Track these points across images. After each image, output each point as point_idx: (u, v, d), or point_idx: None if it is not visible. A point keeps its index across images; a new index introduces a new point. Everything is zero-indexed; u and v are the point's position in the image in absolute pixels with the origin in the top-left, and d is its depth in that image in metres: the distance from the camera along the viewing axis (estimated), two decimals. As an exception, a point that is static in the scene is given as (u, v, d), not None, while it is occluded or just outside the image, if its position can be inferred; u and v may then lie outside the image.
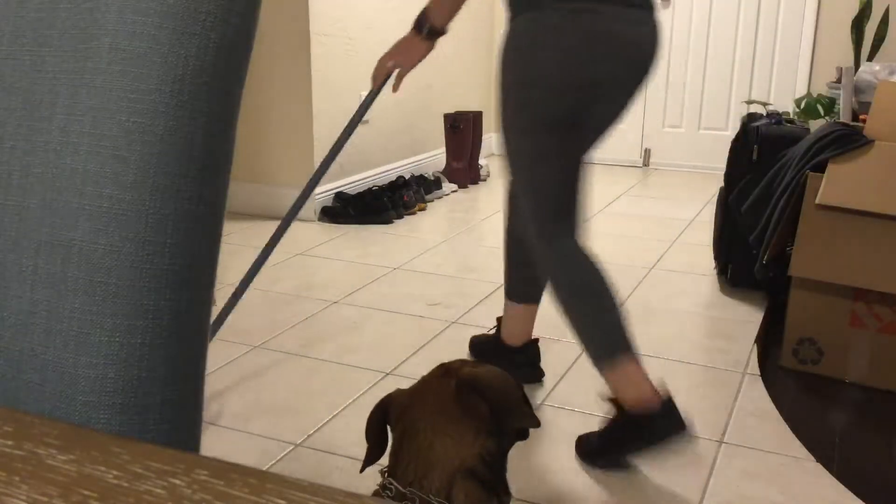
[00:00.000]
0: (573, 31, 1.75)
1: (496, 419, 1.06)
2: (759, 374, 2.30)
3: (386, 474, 1.07)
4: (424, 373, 2.26)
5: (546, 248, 1.87)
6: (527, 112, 1.79)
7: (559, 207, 1.86)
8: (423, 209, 4.06)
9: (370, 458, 1.15)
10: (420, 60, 2.07)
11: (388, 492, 1.04)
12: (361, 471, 1.18)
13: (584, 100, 1.79)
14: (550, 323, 2.62)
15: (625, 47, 1.84)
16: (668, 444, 1.75)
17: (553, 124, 1.79)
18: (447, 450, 1.03)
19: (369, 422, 1.14)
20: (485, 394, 1.06)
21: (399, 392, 1.14)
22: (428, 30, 2.01)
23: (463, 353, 2.39)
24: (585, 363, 2.34)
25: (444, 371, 1.12)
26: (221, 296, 2.86)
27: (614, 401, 1.81)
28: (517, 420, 1.08)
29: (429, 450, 1.04)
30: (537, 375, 2.22)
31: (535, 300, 2.17)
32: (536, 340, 2.22)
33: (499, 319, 2.28)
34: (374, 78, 2.13)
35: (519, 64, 1.79)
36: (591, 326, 1.81)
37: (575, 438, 1.91)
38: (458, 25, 4.86)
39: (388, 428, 1.15)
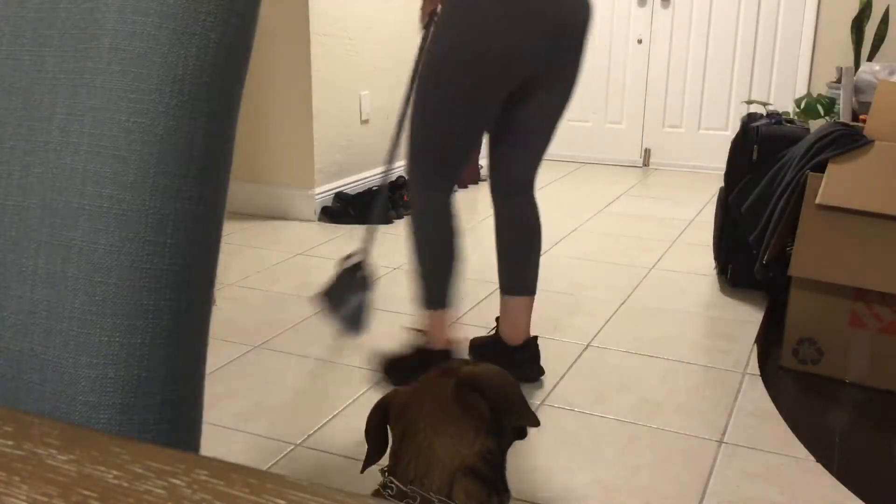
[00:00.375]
0: (486, 3, 1.87)
1: (496, 418, 1.06)
2: (759, 374, 2.30)
3: (387, 473, 1.07)
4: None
5: (418, 195, 2.08)
6: (436, 74, 1.95)
7: (443, 165, 2.06)
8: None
9: (370, 459, 1.15)
10: None
11: (388, 490, 1.04)
12: (362, 471, 1.18)
13: (490, 70, 1.91)
14: (551, 323, 2.62)
15: (537, 19, 1.90)
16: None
17: (441, 95, 1.96)
18: (447, 448, 1.03)
19: (369, 422, 1.14)
20: (485, 392, 1.06)
21: (398, 391, 1.15)
22: None
23: (462, 352, 2.39)
24: (585, 363, 2.34)
25: (444, 371, 1.12)
26: (222, 296, 2.86)
27: (419, 331, 2.17)
28: (517, 418, 1.09)
29: (429, 449, 1.04)
30: (538, 373, 2.21)
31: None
32: (535, 338, 2.23)
33: (498, 319, 2.29)
34: (421, 20, 2.17)
35: (438, 30, 1.95)
36: (425, 274, 2.09)
37: (575, 438, 1.92)
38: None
39: (389, 428, 1.15)
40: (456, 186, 2.06)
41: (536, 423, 1.09)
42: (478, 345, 2.35)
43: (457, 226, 2.10)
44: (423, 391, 1.10)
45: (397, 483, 1.02)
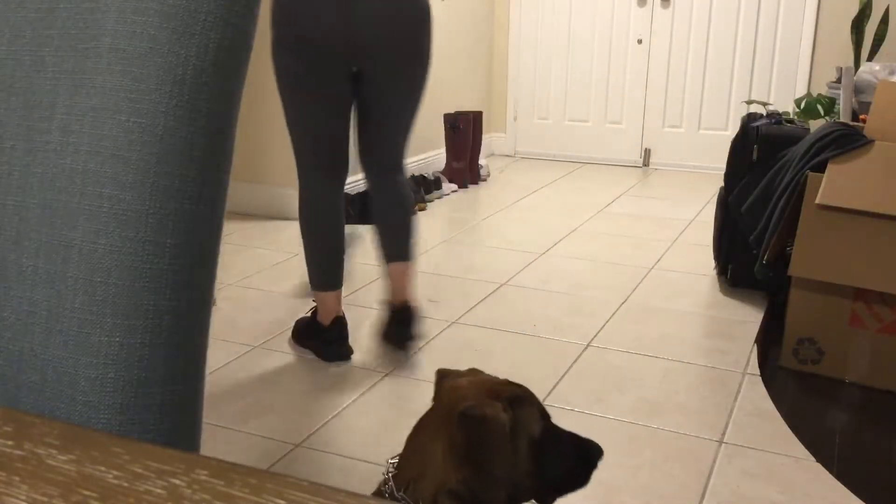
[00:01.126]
0: None
1: (474, 461, 1.04)
2: (759, 374, 2.30)
3: (392, 466, 1.07)
4: (424, 373, 2.26)
5: (301, 190, 2.30)
6: (274, 60, 2.18)
7: (316, 156, 2.26)
8: (423, 209, 4.06)
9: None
10: None
11: (387, 487, 1.05)
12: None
13: (301, 56, 2.11)
14: (551, 323, 2.62)
15: (356, 9, 2.08)
16: (327, 356, 2.34)
17: (284, 79, 2.18)
18: (436, 462, 1.03)
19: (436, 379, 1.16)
20: (468, 436, 1.03)
21: (455, 372, 1.15)
22: None
23: (462, 352, 2.39)
24: (585, 363, 2.34)
25: (485, 387, 1.10)
26: (222, 296, 2.86)
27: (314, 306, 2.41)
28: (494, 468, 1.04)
29: (424, 454, 1.04)
30: (411, 334, 2.36)
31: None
32: (410, 303, 2.37)
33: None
34: None
35: (272, 16, 2.14)
36: (309, 257, 2.33)
37: (575, 438, 1.92)
38: (458, 26, 4.87)
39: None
40: (328, 175, 2.31)
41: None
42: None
43: (338, 219, 2.32)
44: (456, 390, 1.09)
45: (392, 486, 1.03)
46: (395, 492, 1.02)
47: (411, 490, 1.01)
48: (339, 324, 2.35)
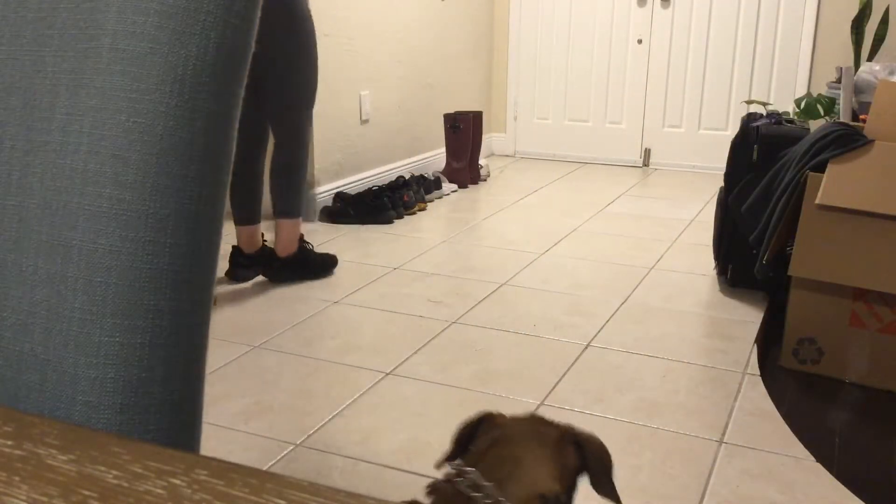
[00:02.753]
0: None
1: (575, 476, 1.14)
2: (759, 374, 2.30)
3: (461, 467, 1.11)
4: (424, 372, 2.26)
5: (308, 123, 2.98)
6: (308, 28, 2.91)
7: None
8: (423, 209, 4.06)
9: (449, 457, 1.20)
10: None
11: (463, 479, 1.07)
12: (437, 466, 1.23)
13: None
14: (551, 323, 2.62)
15: None
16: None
17: (313, 38, 2.99)
18: (532, 472, 1.09)
19: (463, 425, 1.20)
20: (584, 450, 1.14)
21: (501, 414, 1.21)
22: None
23: (463, 352, 2.39)
24: (585, 363, 2.34)
25: (544, 421, 1.19)
26: (222, 296, 2.86)
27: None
28: (600, 487, 1.17)
29: (516, 463, 1.10)
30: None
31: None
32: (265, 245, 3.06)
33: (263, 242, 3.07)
34: None
35: None
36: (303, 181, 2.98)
37: (575, 438, 1.92)
38: (458, 26, 4.87)
39: (476, 437, 1.21)
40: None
41: (618, 501, 1.17)
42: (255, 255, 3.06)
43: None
44: (521, 422, 1.17)
45: (478, 477, 1.07)
46: (479, 481, 1.05)
47: (497, 488, 1.05)
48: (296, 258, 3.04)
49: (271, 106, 2.86)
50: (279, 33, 2.77)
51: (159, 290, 0.56)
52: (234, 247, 3.04)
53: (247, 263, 3.03)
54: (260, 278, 3.04)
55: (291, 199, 2.94)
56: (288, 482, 0.39)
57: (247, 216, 3.00)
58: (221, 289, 2.93)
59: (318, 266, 3.06)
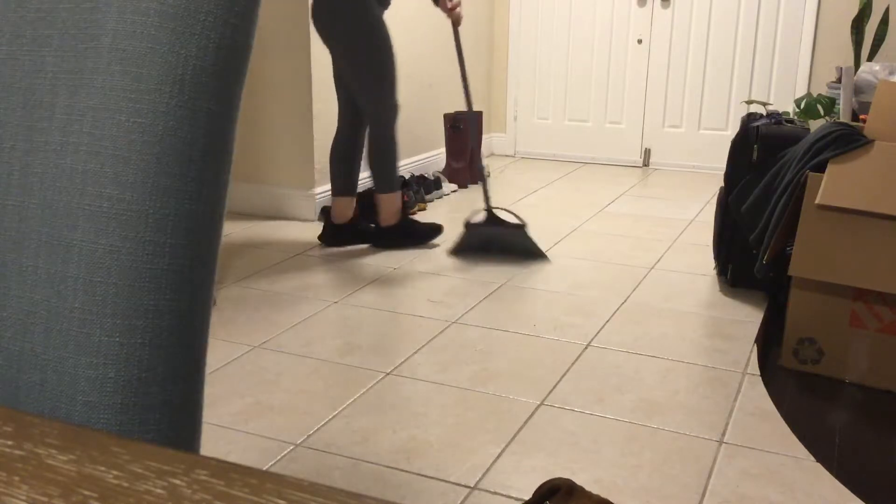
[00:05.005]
0: None
1: None
2: (759, 374, 2.30)
3: None
4: (424, 372, 2.27)
5: (387, 106, 3.21)
6: (370, 18, 3.17)
7: (393, 83, 3.22)
8: (423, 209, 4.06)
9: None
10: None
11: None
12: None
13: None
14: (551, 323, 2.62)
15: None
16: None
17: (381, 26, 3.16)
18: None
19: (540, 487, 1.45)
20: None
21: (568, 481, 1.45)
22: None
23: (463, 352, 2.39)
24: (585, 363, 2.34)
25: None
26: (222, 296, 2.86)
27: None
28: None
29: None
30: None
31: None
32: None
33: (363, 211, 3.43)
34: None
35: None
36: (394, 161, 3.27)
37: (575, 438, 1.92)
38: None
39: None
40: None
41: None
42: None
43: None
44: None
45: None
46: None
47: None
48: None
49: (356, 95, 3.18)
50: (352, 29, 3.06)
51: (159, 290, 0.56)
52: (327, 215, 3.42)
53: (332, 233, 3.39)
54: (258, 281, 3.04)
55: (385, 177, 3.24)
56: (288, 482, 0.39)
57: (341, 188, 3.33)
58: (222, 289, 2.93)
59: (422, 234, 3.36)
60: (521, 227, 3.26)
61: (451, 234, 3.59)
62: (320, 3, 3.07)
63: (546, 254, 3.28)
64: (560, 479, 1.45)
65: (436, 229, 3.38)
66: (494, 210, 3.35)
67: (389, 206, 3.30)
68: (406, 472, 1.79)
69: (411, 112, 4.50)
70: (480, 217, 3.33)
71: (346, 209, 3.35)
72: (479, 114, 4.58)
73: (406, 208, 3.40)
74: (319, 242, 3.41)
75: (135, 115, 0.55)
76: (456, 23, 3.32)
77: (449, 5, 3.25)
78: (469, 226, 3.30)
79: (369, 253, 3.35)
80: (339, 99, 3.30)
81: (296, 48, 3.66)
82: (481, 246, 3.30)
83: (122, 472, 0.40)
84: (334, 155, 3.31)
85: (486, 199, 3.37)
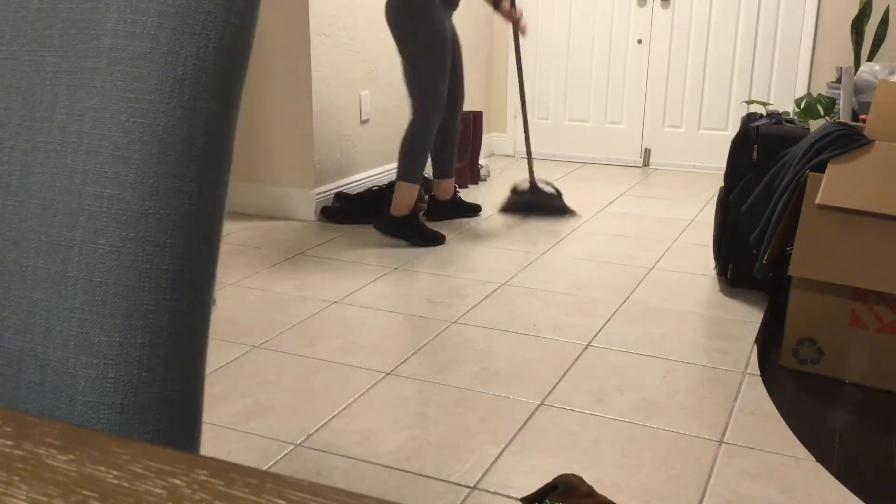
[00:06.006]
0: None
1: None
2: (759, 374, 2.30)
3: None
4: (424, 372, 2.27)
5: (431, 113, 3.42)
6: (429, 27, 3.42)
7: (442, 92, 3.48)
8: (423, 209, 4.06)
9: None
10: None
11: None
12: None
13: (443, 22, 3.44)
14: (551, 323, 2.62)
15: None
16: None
17: (440, 37, 3.39)
18: None
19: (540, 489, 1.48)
20: None
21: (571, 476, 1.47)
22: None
23: (463, 352, 2.39)
24: (585, 363, 2.34)
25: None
26: (222, 296, 2.86)
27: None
28: None
29: None
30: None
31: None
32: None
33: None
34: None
35: None
36: (420, 168, 3.48)
37: (575, 438, 1.92)
38: (459, 26, 4.87)
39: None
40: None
41: None
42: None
43: None
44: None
45: None
46: None
47: None
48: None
49: (408, 89, 3.45)
50: (410, 28, 3.33)
51: (159, 290, 0.56)
52: (430, 195, 3.86)
53: (437, 208, 3.83)
54: (258, 281, 3.04)
55: (409, 167, 3.43)
56: (288, 482, 0.39)
57: (440, 171, 3.73)
58: (222, 289, 2.93)
59: (423, 236, 3.50)
60: (556, 194, 3.92)
61: (449, 249, 3.59)
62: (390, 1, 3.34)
63: (575, 211, 3.96)
64: (564, 475, 1.46)
65: (438, 238, 3.50)
66: (536, 181, 3.93)
67: (404, 197, 3.44)
68: (406, 472, 1.79)
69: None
70: (525, 184, 3.94)
71: (448, 188, 3.78)
72: (479, 114, 4.58)
73: (416, 208, 3.57)
74: (426, 219, 3.83)
75: (135, 115, 0.55)
76: (522, 33, 3.72)
77: (516, 16, 3.65)
78: (515, 191, 3.94)
79: (369, 253, 3.36)
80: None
81: (296, 48, 3.66)
82: (524, 206, 3.89)
83: (122, 472, 0.40)
84: (435, 144, 3.63)
85: (531, 170, 3.93)
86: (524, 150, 5.42)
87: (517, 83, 5.31)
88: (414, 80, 3.40)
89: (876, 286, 2.15)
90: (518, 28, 3.72)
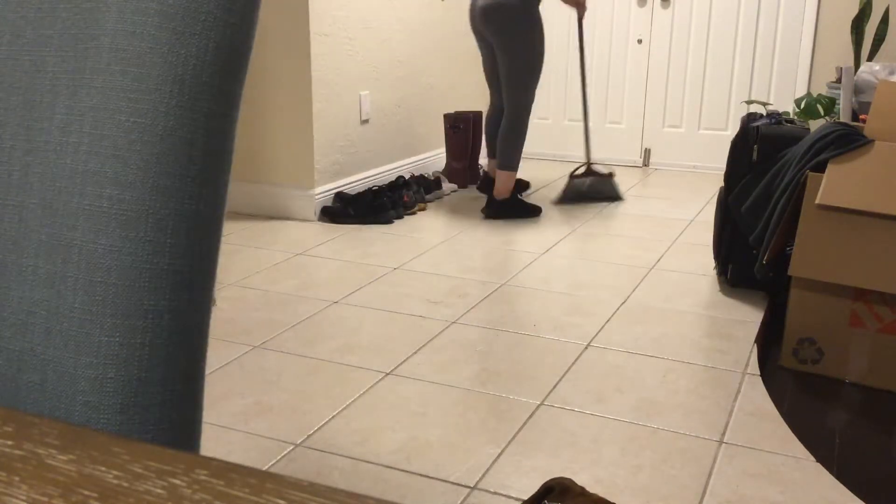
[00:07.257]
0: None
1: None
2: (759, 374, 2.30)
3: None
4: (424, 372, 2.27)
5: (528, 102, 3.87)
6: (531, 24, 3.75)
7: (537, 82, 3.88)
8: (423, 209, 4.06)
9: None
10: None
11: None
12: None
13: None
14: (551, 323, 2.62)
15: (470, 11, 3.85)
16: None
17: (540, 32, 3.75)
18: None
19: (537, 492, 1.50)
20: None
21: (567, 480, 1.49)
22: None
23: (463, 352, 2.40)
24: (585, 363, 2.34)
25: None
26: (222, 296, 2.86)
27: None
28: None
29: None
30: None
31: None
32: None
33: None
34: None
35: None
36: (520, 150, 3.85)
37: (575, 438, 1.92)
38: (459, 27, 4.86)
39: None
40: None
41: None
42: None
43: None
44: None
45: None
46: None
47: None
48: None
49: (504, 82, 3.73)
50: (504, 25, 3.62)
51: (159, 290, 0.56)
52: (484, 172, 4.20)
53: (486, 185, 4.13)
54: (258, 281, 3.04)
55: (509, 155, 3.77)
56: (288, 482, 0.39)
57: (494, 151, 4.00)
58: (222, 289, 2.93)
59: (526, 210, 3.85)
60: (610, 176, 4.17)
61: (450, 248, 3.59)
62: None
63: (623, 196, 4.29)
64: (556, 478, 1.47)
65: (536, 210, 3.88)
66: (592, 164, 4.19)
67: (506, 182, 3.79)
68: (406, 472, 1.79)
69: (411, 112, 4.50)
70: (581, 169, 4.19)
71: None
72: (479, 114, 4.58)
73: (518, 188, 3.98)
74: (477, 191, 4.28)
75: (135, 115, 0.55)
76: (581, 14, 3.94)
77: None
78: (573, 176, 4.16)
79: (369, 253, 3.36)
80: (492, 86, 4.01)
81: (296, 48, 3.66)
82: (579, 194, 4.15)
83: (122, 472, 0.40)
84: (492, 126, 4.00)
85: (588, 154, 4.18)
86: (524, 150, 5.42)
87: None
88: (514, 76, 3.67)
89: (876, 286, 2.15)
90: (582, 14, 3.94)
